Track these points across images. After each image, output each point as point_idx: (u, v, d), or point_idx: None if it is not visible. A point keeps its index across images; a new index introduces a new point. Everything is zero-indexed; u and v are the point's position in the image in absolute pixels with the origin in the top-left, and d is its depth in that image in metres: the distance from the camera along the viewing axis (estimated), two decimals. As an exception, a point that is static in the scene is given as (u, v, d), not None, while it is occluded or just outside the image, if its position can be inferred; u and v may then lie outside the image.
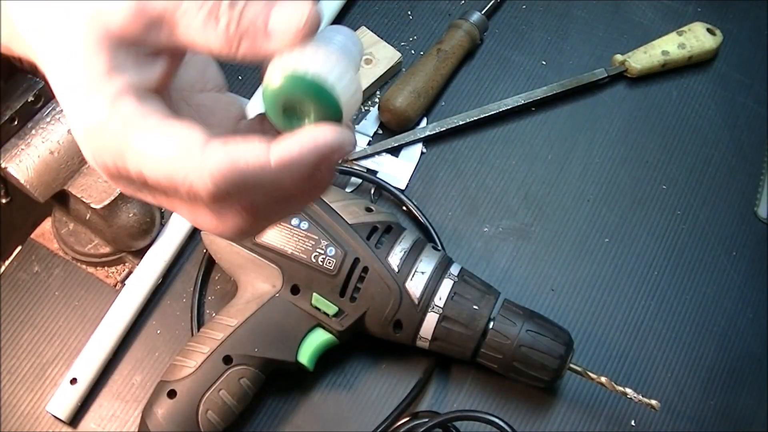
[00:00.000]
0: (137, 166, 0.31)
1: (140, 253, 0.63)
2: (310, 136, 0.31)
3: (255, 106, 0.37)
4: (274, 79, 0.31)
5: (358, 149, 0.69)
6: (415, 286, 0.56)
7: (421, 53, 0.74)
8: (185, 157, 0.31)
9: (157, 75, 0.33)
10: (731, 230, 0.68)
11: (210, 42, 0.31)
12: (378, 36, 0.73)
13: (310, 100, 0.31)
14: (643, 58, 0.73)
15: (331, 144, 0.32)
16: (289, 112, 0.32)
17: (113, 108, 0.31)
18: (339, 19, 0.75)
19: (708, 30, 0.75)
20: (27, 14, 0.34)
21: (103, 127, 0.31)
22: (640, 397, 0.56)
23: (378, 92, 0.72)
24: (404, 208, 0.67)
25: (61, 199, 0.60)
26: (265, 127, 0.36)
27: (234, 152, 0.30)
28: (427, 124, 0.71)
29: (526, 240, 0.67)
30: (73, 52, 0.32)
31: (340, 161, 0.34)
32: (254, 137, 0.31)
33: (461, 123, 0.71)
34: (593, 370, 0.58)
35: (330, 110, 0.32)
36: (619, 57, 0.74)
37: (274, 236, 0.57)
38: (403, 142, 0.69)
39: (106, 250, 0.64)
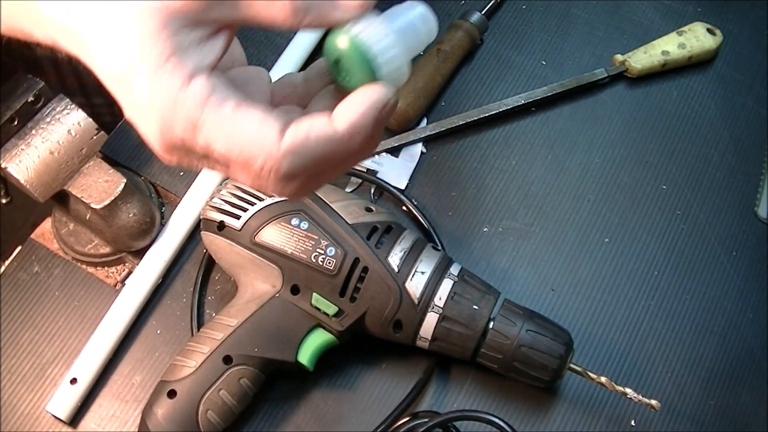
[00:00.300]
0: (208, 141, 0.34)
1: (140, 253, 0.63)
2: (364, 97, 0.35)
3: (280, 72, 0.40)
4: (335, 37, 0.36)
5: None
6: (415, 286, 0.56)
7: (421, 53, 0.74)
8: (263, 141, 0.34)
9: (218, 52, 0.35)
10: (731, 230, 0.68)
11: (275, 14, 0.34)
12: (378, 36, 0.73)
13: (355, 64, 0.36)
14: (643, 58, 0.73)
15: (384, 98, 0.35)
16: (339, 68, 0.37)
17: (186, 87, 0.33)
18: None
19: (708, 30, 0.75)
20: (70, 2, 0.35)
21: (174, 104, 0.33)
22: (640, 397, 0.56)
23: (378, 92, 0.72)
24: (404, 208, 0.67)
25: (61, 199, 0.60)
26: (308, 86, 0.40)
27: (304, 130, 0.34)
28: (427, 124, 0.71)
29: (526, 240, 0.67)
30: (135, 33, 0.33)
31: (389, 117, 0.37)
32: (316, 114, 0.35)
33: (461, 123, 0.71)
34: (593, 370, 0.58)
35: (369, 77, 0.36)
36: (619, 57, 0.74)
37: (274, 236, 0.57)
38: (403, 142, 0.69)
39: (106, 250, 0.64)
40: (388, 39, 0.36)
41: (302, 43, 0.72)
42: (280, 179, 0.35)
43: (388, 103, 0.36)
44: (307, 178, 0.36)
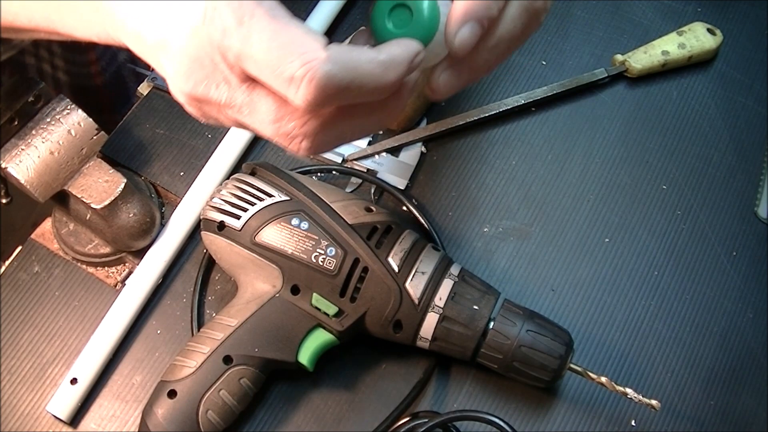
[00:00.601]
0: (249, 40, 0.34)
1: (140, 253, 0.63)
2: (403, 44, 0.38)
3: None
4: None
5: (358, 149, 0.69)
6: (415, 286, 0.56)
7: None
8: (308, 44, 0.34)
9: None
10: (731, 230, 0.68)
11: None
12: (378, 36, 0.73)
13: (423, 21, 0.40)
14: (643, 58, 0.74)
15: (418, 52, 0.38)
16: (393, 16, 0.40)
17: None
18: (339, 19, 0.75)
19: (708, 30, 0.75)
20: None
21: (227, 9, 0.34)
22: (640, 397, 0.56)
23: (378, 92, 0.72)
24: (404, 208, 0.67)
25: (61, 199, 0.60)
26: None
27: (348, 48, 0.35)
28: (427, 124, 0.71)
29: (526, 240, 0.67)
30: None
31: (416, 71, 0.39)
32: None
33: (461, 123, 0.71)
34: (593, 370, 0.58)
35: (422, 26, 0.40)
36: (619, 57, 0.74)
37: (274, 236, 0.57)
38: (403, 142, 0.69)
39: (106, 250, 0.64)
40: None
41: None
42: (313, 89, 0.34)
43: (420, 58, 0.38)
44: (329, 118, 0.37)
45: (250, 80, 0.36)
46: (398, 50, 0.37)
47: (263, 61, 0.34)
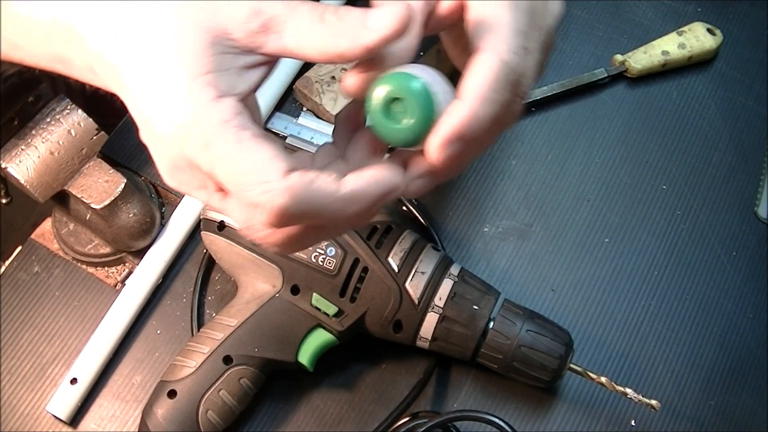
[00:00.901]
0: (216, 161, 0.34)
1: (140, 253, 0.63)
2: (376, 174, 0.36)
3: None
4: (386, 80, 0.36)
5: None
6: (415, 286, 0.56)
7: (421, 54, 0.74)
8: (269, 172, 0.34)
9: (254, 83, 0.36)
10: (731, 230, 0.68)
11: (316, 40, 0.35)
12: (378, 36, 0.73)
13: (414, 100, 0.36)
14: (643, 58, 0.74)
15: (393, 184, 0.36)
16: (389, 112, 0.37)
17: (214, 103, 0.34)
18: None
19: (708, 30, 0.75)
20: (114, 18, 0.36)
21: (198, 115, 0.34)
22: (640, 397, 0.56)
23: (378, 92, 0.72)
24: (404, 208, 0.67)
25: (61, 199, 0.60)
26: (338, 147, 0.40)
27: (309, 178, 0.34)
28: (427, 124, 0.71)
29: (526, 240, 0.67)
30: (180, 46, 0.34)
31: (390, 201, 0.38)
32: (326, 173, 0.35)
33: (461, 123, 0.70)
34: (593, 370, 0.58)
35: (425, 115, 0.36)
36: (619, 57, 0.74)
37: (274, 236, 0.57)
38: (403, 142, 0.69)
39: (106, 250, 0.64)
40: (440, 83, 0.37)
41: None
42: (272, 215, 0.34)
43: (396, 190, 0.37)
44: (295, 232, 0.37)
45: (223, 190, 0.37)
46: (365, 185, 0.36)
47: (227, 184, 0.35)
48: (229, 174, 0.34)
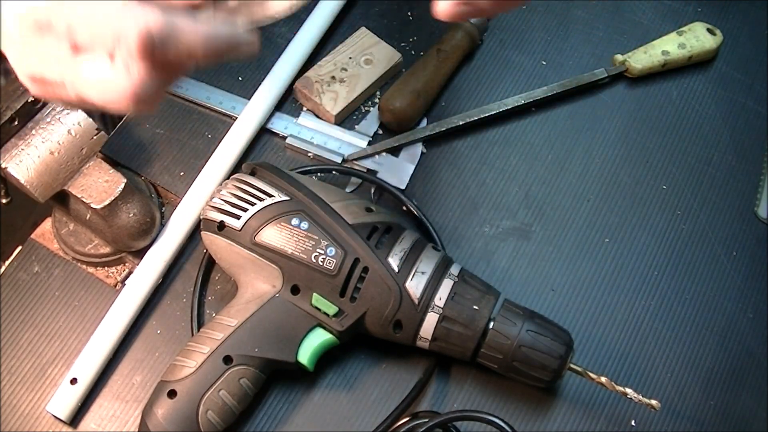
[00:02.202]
0: (75, 14, 0.37)
1: (140, 253, 0.63)
2: (231, 30, 0.41)
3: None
4: None
5: (358, 149, 0.69)
6: (415, 286, 0.56)
7: (421, 54, 0.74)
8: (129, 4, 0.37)
9: None
10: (731, 230, 0.68)
11: None
12: (378, 36, 0.73)
13: None
14: (643, 58, 0.74)
15: (241, 41, 0.41)
16: None
17: None
18: (339, 19, 0.75)
19: (708, 30, 0.75)
20: None
21: None
22: (640, 397, 0.56)
23: (378, 93, 0.72)
24: (404, 208, 0.67)
25: (61, 199, 0.60)
26: None
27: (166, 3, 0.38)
28: (427, 124, 0.71)
29: (526, 240, 0.67)
30: None
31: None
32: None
33: (461, 123, 0.71)
34: (593, 370, 0.58)
35: None
36: (619, 57, 0.74)
37: (275, 236, 0.57)
38: (403, 142, 0.69)
39: (106, 250, 0.64)
40: None
41: (303, 42, 0.72)
42: (139, 40, 0.37)
43: (243, 47, 0.42)
44: (147, 75, 0.39)
45: (78, 48, 0.38)
46: (218, 32, 0.40)
47: (90, 27, 0.37)
48: (90, 14, 0.37)
